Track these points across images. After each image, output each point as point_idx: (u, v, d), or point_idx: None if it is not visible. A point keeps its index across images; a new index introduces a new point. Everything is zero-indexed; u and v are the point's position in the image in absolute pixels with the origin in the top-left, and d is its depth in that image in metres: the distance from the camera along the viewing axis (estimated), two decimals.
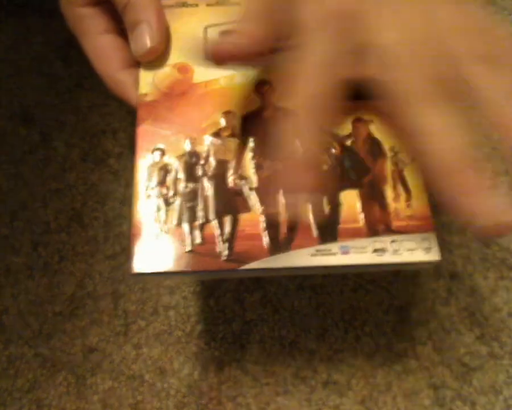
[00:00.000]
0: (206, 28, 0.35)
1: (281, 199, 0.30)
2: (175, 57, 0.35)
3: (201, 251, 0.30)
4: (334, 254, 0.29)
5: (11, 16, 0.57)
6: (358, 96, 0.29)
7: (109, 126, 0.52)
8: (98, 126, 0.52)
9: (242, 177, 0.31)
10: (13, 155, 0.50)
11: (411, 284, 0.46)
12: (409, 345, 0.44)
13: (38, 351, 0.44)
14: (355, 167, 0.31)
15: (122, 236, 0.47)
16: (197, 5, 0.36)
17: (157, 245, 0.30)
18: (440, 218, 0.48)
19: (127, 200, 0.48)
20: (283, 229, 0.30)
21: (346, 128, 0.32)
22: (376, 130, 0.31)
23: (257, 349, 0.44)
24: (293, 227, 0.30)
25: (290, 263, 0.29)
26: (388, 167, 0.31)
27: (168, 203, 0.31)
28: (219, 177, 0.32)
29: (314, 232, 0.30)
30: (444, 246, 0.47)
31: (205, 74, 0.34)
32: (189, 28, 0.35)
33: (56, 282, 0.46)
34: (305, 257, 0.29)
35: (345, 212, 0.30)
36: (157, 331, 0.44)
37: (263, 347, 0.44)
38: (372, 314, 0.45)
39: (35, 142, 0.51)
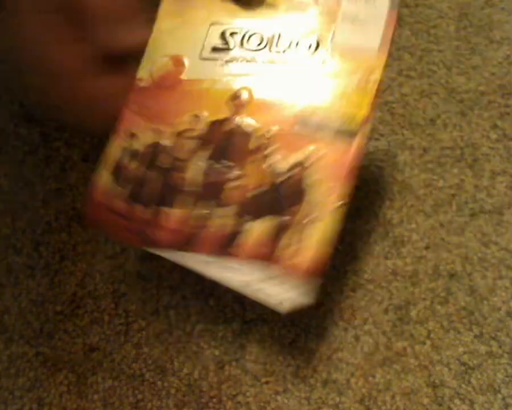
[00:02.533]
0: (210, 25, 0.35)
1: (210, 206, 0.33)
2: (175, 47, 0.35)
3: (132, 228, 0.34)
4: (219, 268, 0.32)
5: None
6: None
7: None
8: None
9: (188, 179, 0.34)
10: (14, 155, 0.50)
11: (410, 283, 0.46)
12: (408, 344, 0.44)
13: (40, 350, 0.44)
14: (276, 202, 0.32)
15: None
16: None
17: (106, 213, 0.35)
18: (438, 218, 0.48)
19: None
20: (192, 232, 0.33)
21: (289, 160, 0.32)
22: (313, 173, 0.32)
23: (257, 349, 0.44)
24: (199, 233, 0.33)
25: (183, 262, 0.33)
26: (304, 212, 0.32)
27: (127, 183, 0.35)
28: (168, 173, 0.34)
29: (217, 243, 0.33)
30: (442, 246, 0.47)
31: (194, 72, 0.35)
32: (197, 21, 0.36)
33: (56, 282, 0.46)
34: (195, 261, 0.33)
35: (253, 236, 0.32)
36: (158, 331, 0.44)
37: (262, 346, 0.44)
38: (372, 313, 0.45)
39: (36, 142, 0.51)
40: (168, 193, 0.34)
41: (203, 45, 0.35)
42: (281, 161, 0.32)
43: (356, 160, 0.32)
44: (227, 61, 0.34)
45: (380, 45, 0.33)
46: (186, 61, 0.35)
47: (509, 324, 0.45)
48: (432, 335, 0.45)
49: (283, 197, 0.32)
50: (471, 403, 0.43)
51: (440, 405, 0.42)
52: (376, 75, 0.33)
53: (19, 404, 0.42)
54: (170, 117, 0.35)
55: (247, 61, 0.34)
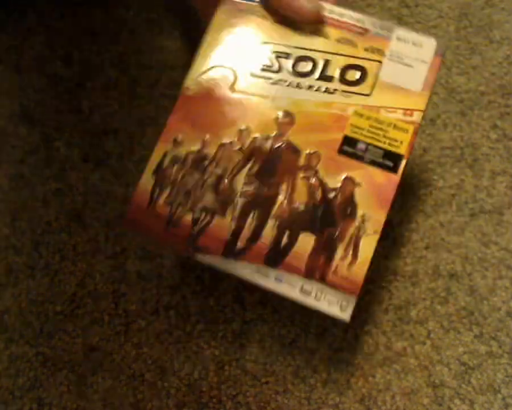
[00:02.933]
0: (262, 44, 0.37)
1: (251, 217, 0.35)
2: (225, 60, 0.37)
3: (174, 232, 0.35)
4: (269, 278, 0.34)
5: (12, 16, 0.57)
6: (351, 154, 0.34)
7: (109, 126, 0.52)
8: (98, 127, 0.52)
9: (231, 186, 0.35)
10: (14, 155, 0.50)
11: (410, 283, 0.46)
12: (408, 344, 0.44)
13: (39, 350, 0.44)
14: (324, 217, 0.34)
15: (122, 236, 0.47)
16: (264, 17, 0.38)
17: (145, 214, 0.36)
18: (438, 218, 0.48)
19: (127, 200, 0.49)
20: (242, 241, 0.34)
21: (336, 181, 0.35)
22: (358, 193, 0.34)
23: (257, 349, 0.44)
24: (249, 242, 0.34)
25: (233, 271, 0.34)
26: (351, 230, 0.34)
27: (166, 186, 0.36)
28: (215, 181, 0.36)
29: (264, 254, 0.34)
30: (442, 246, 0.47)
31: (243, 87, 0.37)
32: (250, 37, 0.37)
33: (56, 282, 0.46)
34: (246, 271, 0.34)
35: (296, 248, 0.34)
36: (158, 331, 0.44)
37: (262, 346, 0.44)
38: (372, 313, 0.45)
39: (36, 142, 0.51)
40: (213, 202, 0.35)
41: (255, 62, 0.37)
42: (332, 177, 0.35)
43: (395, 191, 0.34)
44: (277, 81, 0.36)
45: (423, 88, 0.35)
46: (236, 75, 0.37)
47: (509, 324, 0.45)
48: (432, 335, 0.45)
49: (336, 211, 0.34)
50: (471, 403, 0.43)
51: (440, 405, 0.42)
52: (415, 117, 0.35)
53: (19, 404, 0.42)
54: (216, 127, 0.36)
55: (297, 84, 0.36)
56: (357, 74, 0.36)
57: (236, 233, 0.35)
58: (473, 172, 0.50)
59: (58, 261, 0.47)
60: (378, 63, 0.36)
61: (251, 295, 0.46)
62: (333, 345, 0.44)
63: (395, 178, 0.34)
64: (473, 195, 0.49)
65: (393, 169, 0.34)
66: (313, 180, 0.35)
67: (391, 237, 0.48)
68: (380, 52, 0.36)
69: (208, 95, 0.36)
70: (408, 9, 0.58)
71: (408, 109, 0.35)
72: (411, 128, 0.35)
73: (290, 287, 0.34)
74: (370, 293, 0.46)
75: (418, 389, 0.43)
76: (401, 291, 0.46)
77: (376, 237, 0.34)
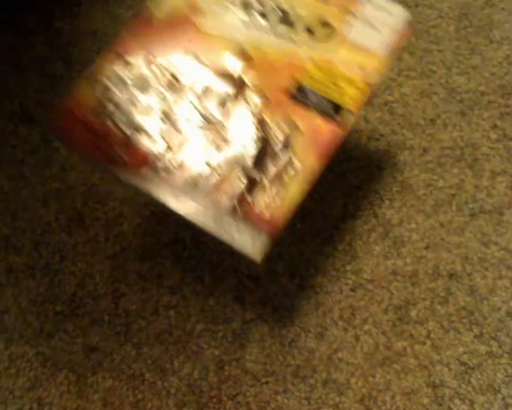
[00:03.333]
0: None
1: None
2: None
3: (105, 149, 0.35)
4: (188, 206, 0.34)
5: (12, 16, 0.57)
6: None
7: None
8: None
9: (173, 113, 0.35)
10: (14, 155, 0.50)
11: (410, 283, 0.46)
12: (408, 344, 0.44)
13: (40, 350, 0.44)
14: (259, 158, 0.34)
15: (122, 236, 0.48)
16: None
17: (81, 127, 0.35)
18: (438, 218, 0.48)
19: (127, 200, 0.49)
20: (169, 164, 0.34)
21: (280, 126, 0.35)
22: (300, 139, 0.34)
23: (257, 349, 0.44)
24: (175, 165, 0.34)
25: (152, 192, 0.34)
26: (283, 174, 0.34)
27: (103, 102, 0.36)
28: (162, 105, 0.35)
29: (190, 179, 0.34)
30: (442, 246, 0.47)
31: (207, 22, 0.37)
32: None
33: (56, 282, 0.46)
34: (168, 195, 0.34)
35: (223, 178, 0.34)
36: (158, 331, 0.44)
37: (262, 346, 0.44)
38: (372, 313, 0.45)
39: (36, 142, 0.51)
40: (145, 121, 0.35)
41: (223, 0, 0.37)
42: (277, 120, 0.34)
43: (336, 144, 0.34)
44: (245, 23, 0.37)
45: (386, 53, 0.36)
46: (201, 8, 0.37)
47: (509, 324, 0.45)
48: (432, 335, 0.45)
49: (271, 153, 0.34)
50: (471, 403, 0.43)
51: (440, 405, 0.42)
52: (372, 78, 0.35)
53: (19, 404, 0.43)
54: (168, 53, 0.36)
55: (263, 27, 0.36)
56: (324, 30, 0.36)
57: (157, 152, 0.34)
58: (473, 172, 0.50)
59: (58, 261, 0.47)
60: (347, 22, 0.37)
61: (251, 294, 0.46)
62: (333, 345, 0.44)
63: (341, 132, 0.34)
64: (473, 195, 0.49)
65: (341, 124, 0.34)
66: (257, 118, 0.35)
67: (391, 237, 0.48)
68: (351, 12, 0.37)
69: (168, 23, 0.37)
70: (408, 9, 0.58)
71: (367, 69, 0.35)
72: (366, 88, 0.35)
73: (204, 212, 0.33)
74: (369, 293, 0.46)
75: (418, 389, 0.43)
76: (401, 291, 0.46)
77: (307, 185, 0.33)
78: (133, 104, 0.35)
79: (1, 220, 0.48)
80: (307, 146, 0.34)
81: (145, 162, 0.34)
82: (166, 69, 0.36)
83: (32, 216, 0.48)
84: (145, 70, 0.36)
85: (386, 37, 0.36)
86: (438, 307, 0.45)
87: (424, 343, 0.44)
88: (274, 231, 0.32)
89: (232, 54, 0.36)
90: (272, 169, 0.33)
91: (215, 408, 0.42)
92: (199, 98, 0.35)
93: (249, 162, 0.34)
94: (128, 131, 0.35)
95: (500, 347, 0.44)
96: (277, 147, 0.34)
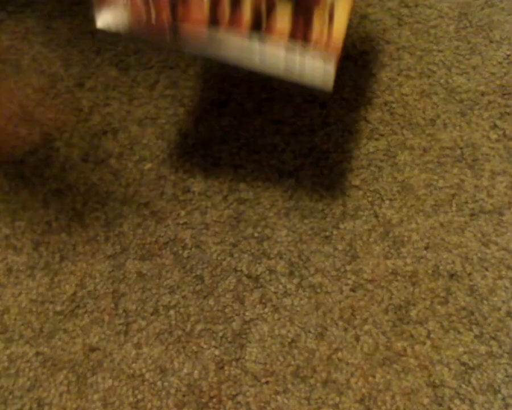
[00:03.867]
0: None
1: None
2: None
3: (156, 24, 0.35)
4: (254, 56, 0.34)
5: (12, 16, 0.57)
6: None
7: (109, 126, 0.52)
8: (98, 126, 0.52)
9: None
10: (14, 155, 0.50)
11: (410, 283, 0.46)
12: (408, 344, 0.44)
13: (39, 350, 0.44)
14: None
15: (123, 236, 0.48)
16: None
17: (125, 7, 0.35)
18: (438, 218, 0.48)
19: (127, 200, 0.49)
20: (224, 9, 0.34)
21: None
22: None
23: (257, 349, 0.44)
24: (231, 12, 0.35)
25: (218, 52, 0.34)
26: None
27: None
28: None
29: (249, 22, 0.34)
30: (442, 246, 0.47)
31: None
32: None
33: (56, 282, 0.46)
34: (231, 51, 0.34)
35: (276, 15, 0.34)
36: (158, 331, 0.44)
37: (262, 346, 0.44)
38: (372, 313, 0.45)
39: (36, 143, 0.51)
40: None
41: None
42: None
43: None
44: None
45: None
46: None
47: (509, 324, 0.45)
48: (432, 335, 0.45)
49: None
50: (471, 403, 0.43)
51: (440, 405, 0.42)
52: None
53: (19, 404, 0.42)
54: None
55: None
56: None
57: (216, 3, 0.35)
58: (472, 172, 0.50)
59: (58, 261, 0.47)
60: None
61: (251, 294, 0.46)
62: (333, 345, 0.44)
63: None
64: (473, 195, 0.49)
65: None
66: None
67: (391, 237, 0.48)
68: None
69: None
70: (408, 9, 0.58)
71: None
72: None
73: (274, 63, 0.34)
74: (369, 293, 0.46)
75: (418, 389, 0.43)
76: (401, 291, 0.46)
77: (352, 7, 0.35)
78: None
79: (1, 220, 0.48)
80: None
81: (203, 15, 0.35)
82: None
83: (32, 216, 0.48)
84: None
85: None
86: (439, 307, 0.45)
87: (424, 343, 0.44)
88: (337, 50, 0.34)
89: None
90: None
91: (215, 408, 0.42)
92: None
93: None
94: None
95: (500, 347, 0.44)
96: None
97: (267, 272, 0.47)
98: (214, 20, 0.34)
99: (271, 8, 0.34)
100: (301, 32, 0.34)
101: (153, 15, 0.35)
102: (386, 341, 0.44)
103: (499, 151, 0.51)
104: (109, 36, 0.49)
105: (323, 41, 0.34)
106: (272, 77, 0.34)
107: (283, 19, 0.34)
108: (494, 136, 0.52)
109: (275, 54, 0.34)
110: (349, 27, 0.35)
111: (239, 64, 0.34)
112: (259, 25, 0.34)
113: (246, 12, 0.34)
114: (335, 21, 0.34)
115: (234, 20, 0.34)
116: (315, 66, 0.33)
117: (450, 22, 0.57)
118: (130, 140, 0.52)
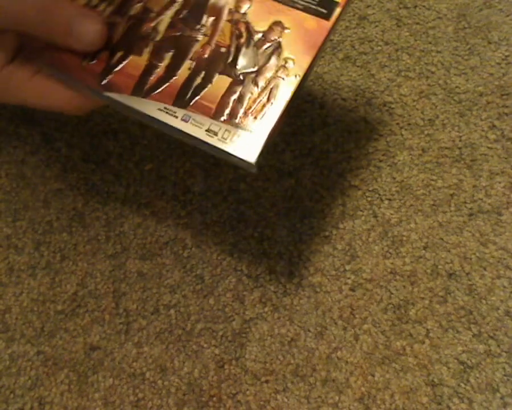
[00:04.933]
0: None
1: (167, 58, 0.34)
2: None
3: (88, 68, 0.34)
4: (176, 117, 0.32)
5: None
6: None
7: (110, 127, 0.52)
8: (99, 127, 0.53)
9: (155, 28, 0.35)
10: (15, 155, 0.50)
11: (409, 283, 0.46)
12: (407, 343, 0.44)
13: (41, 349, 0.44)
14: (245, 60, 0.33)
15: (123, 236, 0.48)
16: None
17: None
18: (436, 218, 0.49)
19: (127, 200, 0.49)
20: (154, 79, 0.34)
21: (264, 25, 0.34)
22: (285, 37, 0.33)
23: (257, 348, 0.44)
24: (161, 81, 0.34)
25: (138, 107, 0.33)
26: (271, 72, 0.33)
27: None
28: (139, 20, 0.35)
29: (175, 93, 0.33)
30: (441, 246, 0.47)
31: None
32: None
33: (57, 281, 0.46)
34: (153, 108, 0.33)
35: (209, 90, 0.33)
36: (158, 330, 0.45)
37: (262, 345, 0.44)
38: (371, 313, 0.45)
39: (36, 143, 0.51)
40: (133, 40, 0.35)
41: None
42: (261, 21, 0.34)
43: (324, 39, 0.33)
44: None
45: None
46: None
47: (507, 323, 0.45)
48: (430, 334, 0.45)
49: (259, 54, 0.33)
50: (470, 402, 0.43)
51: (439, 404, 0.43)
52: None
53: (20, 403, 0.43)
54: None
55: None
56: None
57: (148, 71, 0.34)
58: (471, 172, 0.50)
59: (59, 261, 0.47)
60: None
61: (251, 293, 0.46)
62: (332, 344, 0.44)
63: (327, 24, 0.33)
64: (471, 195, 0.50)
65: (327, 15, 0.33)
66: (239, 23, 0.34)
67: (390, 237, 0.48)
68: None
69: None
70: (406, 10, 0.58)
71: None
72: None
73: (196, 127, 0.32)
74: (369, 292, 0.46)
75: (417, 388, 0.43)
76: (400, 290, 0.46)
77: (297, 81, 0.33)
78: (121, 25, 0.36)
79: (2, 220, 0.48)
80: (295, 43, 0.33)
81: (132, 82, 0.34)
82: None
83: (33, 216, 0.48)
84: None
85: None
86: (437, 306, 0.46)
87: (423, 342, 0.44)
88: (265, 131, 0.32)
89: None
90: (263, 70, 0.33)
91: (215, 407, 0.42)
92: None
93: (237, 67, 0.34)
94: (116, 53, 0.35)
95: (498, 346, 0.44)
96: (266, 47, 0.34)
97: (267, 272, 0.47)
98: (140, 90, 0.33)
99: (205, 84, 0.33)
100: (230, 110, 0.32)
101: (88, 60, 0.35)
102: (385, 341, 0.44)
103: (497, 151, 0.51)
104: None
105: (252, 121, 0.32)
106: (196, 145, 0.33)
107: (214, 97, 0.33)
108: (492, 137, 0.52)
109: (198, 123, 0.32)
110: (290, 108, 0.33)
111: (158, 120, 0.33)
112: (185, 101, 0.33)
113: (176, 86, 0.33)
114: (275, 100, 0.32)
115: (162, 92, 0.33)
116: (238, 143, 0.32)
117: (449, 23, 0.58)
118: (130, 141, 0.52)
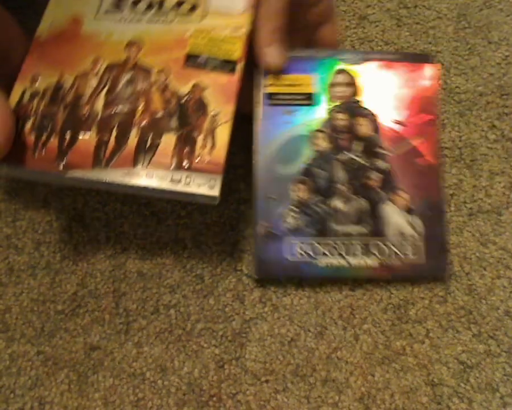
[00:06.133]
0: None
1: (114, 131, 0.40)
2: (72, 9, 0.43)
3: (41, 157, 0.38)
4: (140, 177, 0.38)
5: (12, 17, 0.57)
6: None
7: None
8: None
9: (92, 109, 0.40)
10: None
11: (409, 283, 0.46)
12: (407, 343, 0.44)
13: (41, 349, 0.44)
14: (181, 118, 0.40)
15: (123, 236, 0.48)
16: None
17: (17, 144, 0.39)
18: None
19: (127, 200, 0.49)
20: (109, 151, 0.39)
21: (186, 88, 0.41)
22: (207, 94, 0.41)
23: (257, 348, 0.44)
24: (116, 151, 0.39)
25: (105, 178, 0.38)
26: (206, 124, 0.40)
27: (28, 118, 0.40)
28: (75, 105, 0.40)
29: (132, 157, 0.39)
30: None
31: (91, 28, 0.43)
32: None
33: (57, 281, 0.46)
34: (117, 175, 0.38)
35: (161, 148, 0.39)
36: (158, 330, 0.45)
37: (262, 345, 0.44)
38: (371, 313, 0.45)
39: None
40: (76, 123, 0.40)
41: (98, 8, 0.43)
42: (182, 85, 0.41)
43: (237, 88, 0.41)
44: (120, 19, 0.43)
45: (244, 10, 0.43)
46: (83, 20, 0.43)
47: (507, 323, 0.45)
48: (430, 334, 0.45)
49: (190, 112, 0.40)
50: (470, 401, 0.43)
51: (439, 403, 0.43)
52: (244, 29, 0.43)
53: (20, 403, 0.43)
54: (71, 62, 0.41)
55: (137, 20, 0.43)
56: (189, 6, 0.43)
57: (102, 145, 0.39)
58: (471, 172, 0.51)
59: (59, 261, 0.47)
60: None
61: (251, 293, 0.46)
62: (332, 344, 0.44)
63: (235, 78, 0.41)
64: (471, 194, 0.50)
65: (232, 71, 0.41)
66: (165, 91, 0.41)
67: None
68: None
69: (59, 38, 0.42)
70: (406, 10, 0.58)
71: (235, 27, 0.43)
72: (240, 40, 0.42)
73: (160, 180, 0.38)
74: (369, 292, 0.46)
75: (417, 387, 0.43)
76: (400, 290, 0.46)
77: (228, 124, 0.40)
78: (60, 112, 0.40)
79: (2, 220, 0.48)
80: (216, 96, 0.41)
81: (89, 157, 0.39)
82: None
83: (33, 216, 0.48)
84: (59, 82, 0.41)
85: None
86: (437, 306, 0.46)
87: (423, 342, 0.44)
88: (219, 169, 0.39)
89: (123, 47, 0.42)
90: (198, 123, 0.40)
91: (215, 407, 0.42)
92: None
93: (176, 125, 0.40)
94: (65, 136, 0.39)
95: (498, 346, 0.44)
96: (194, 104, 0.41)
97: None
98: (99, 162, 0.38)
99: (156, 143, 0.39)
100: (185, 160, 0.39)
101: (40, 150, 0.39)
102: (385, 340, 0.44)
103: (497, 152, 0.51)
104: None
105: (206, 164, 0.39)
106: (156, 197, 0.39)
107: (167, 152, 0.39)
108: (492, 137, 0.52)
109: (161, 177, 0.38)
110: (231, 144, 0.39)
111: (124, 185, 0.38)
112: (143, 160, 0.38)
113: (131, 150, 0.39)
114: (217, 143, 0.39)
115: (119, 159, 0.38)
116: (200, 183, 0.38)
117: (449, 23, 0.58)
118: None
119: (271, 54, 0.44)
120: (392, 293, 0.46)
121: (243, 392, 0.43)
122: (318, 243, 0.44)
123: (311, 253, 0.43)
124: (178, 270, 0.47)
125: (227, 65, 0.41)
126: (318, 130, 0.45)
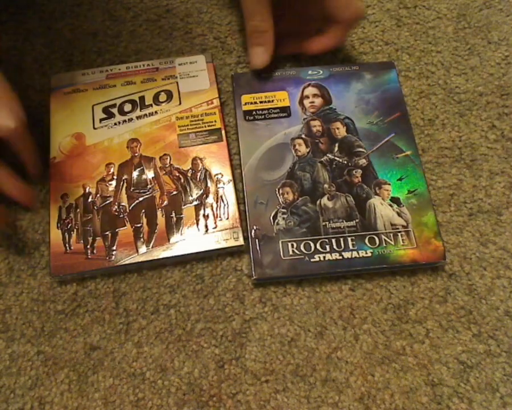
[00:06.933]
0: (92, 106, 0.51)
1: (143, 218, 0.47)
2: (72, 128, 0.50)
3: (94, 257, 0.45)
4: (178, 247, 0.45)
5: (13, 17, 0.57)
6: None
7: None
8: None
9: (119, 205, 0.47)
10: (15, 156, 0.50)
11: (409, 283, 0.46)
12: (407, 343, 0.44)
13: (41, 349, 0.44)
14: (192, 190, 0.48)
15: None
16: (86, 90, 0.52)
17: (67, 257, 0.45)
18: (436, 218, 0.49)
19: None
20: (146, 235, 0.46)
21: (187, 165, 0.49)
22: (205, 163, 0.49)
23: (257, 348, 0.44)
24: (151, 233, 0.46)
25: (150, 257, 0.45)
26: (214, 188, 0.48)
27: (72, 230, 0.46)
28: (105, 207, 0.47)
29: (165, 235, 0.46)
30: None
31: (93, 139, 0.49)
32: (81, 107, 0.51)
33: (57, 281, 0.46)
34: (161, 252, 0.45)
35: (185, 219, 0.47)
36: (158, 330, 0.45)
37: (262, 345, 0.44)
38: (371, 312, 0.45)
39: (37, 144, 0.51)
40: (112, 221, 0.46)
41: (93, 120, 0.50)
42: (183, 163, 0.49)
43: (227, 151, 0.49)
44: (114, 124, 0.50)
45: (210, 85, 0.52)
46: (85, 133, 0.50)
47: (507, 323, 0.45)
48: (430, 334, 0.45)
49: (198, 182, 0.48)
50: (470, 401, 0.43)
51: (439, 403, 0.43)
52: (216, 100, 0.51)
53: (20, 403, 0.43)
54: (88, 173, 0.48)
55: (129, 119, 0.50)
56: (165, 96, 0.52)
57: (138, 234, 0.46)
58: (471, 172, 0.51)
59: None
60: (175, 83, 0.52)
61: (251, 294, 0.46)
62: (332, 344, 0.44)
63: (223, 143, 0.49)
64: (471, 194, 0.50)
65: (219, 139, 0.50)
66: (172, 171, 0.48)
67: None
68: (173, 76, 0.53)
69: (71, 157, 0.49)
70: (406, 10, 0.59)
71: (208, 101, 0.51)
72: (217, 110, 0.51)
73: (195, 245, 0.46)
74: (369, 292, 0.46)
75: (417, 387, 0.43)
76: (400, 290, 0.46)
77: (232, 183, 0.48)
78: (96, 217, 0.47)
79: (3, 219, 0.48)
80: (213, 163, 0.49)
81: (132, 245, 0.46)
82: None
83: (33, 216, 0.48)
84: (85, 193, 0.48)
85: (204, 76, 0.52)
86: (437, 306, 0.46)
87: (423, 342, 0.44)
88: (236, 224, 0.47)
89: (125, 146, 0.50)
90: (208, 189, 0.48)
91: (215, 407, 0.42)
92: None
93: (189, 196, 0.48)
94: (108, 235, 0.46)
95: (498, 346, 0.44)
96: (199, 175, 0.48)
97: None
98: (140, 244, 0.46)
99: (181, 217, 0.47)
100: (208, 222, 0.46)
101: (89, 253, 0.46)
102: (385, 340, 0.44)
103: (497, 152, 0.51)
104: None
105: (225, 222, 0.46)
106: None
107: (192, 221, 0.47)
108: (492, 137, 0.52)
109: (195, 247, 0.46)
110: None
111: (169, 257, 0.46)
112: (175, 234, 0.46)
113: (162, 229, 0.46)
114: (228, 201, 0.47)
115: (156, 240, 0.46)
116: (227, 239, 0.46)
117: (449, 23, 0.58)
118: None
119: (253, 54, 0.51)
120: (392, 293, 0.46)
121: (243, 392, 0.43)
122: (311, 241, 0.45)
123: (304, 250, 0.45)
124: (178, 270, 0.47)
125: (213, 135, 0.50)
126: (297, 137, 0.50)
